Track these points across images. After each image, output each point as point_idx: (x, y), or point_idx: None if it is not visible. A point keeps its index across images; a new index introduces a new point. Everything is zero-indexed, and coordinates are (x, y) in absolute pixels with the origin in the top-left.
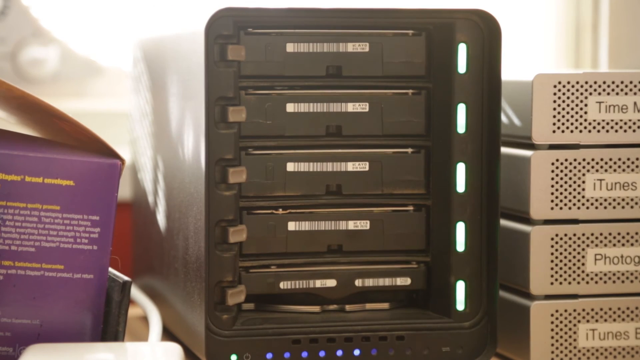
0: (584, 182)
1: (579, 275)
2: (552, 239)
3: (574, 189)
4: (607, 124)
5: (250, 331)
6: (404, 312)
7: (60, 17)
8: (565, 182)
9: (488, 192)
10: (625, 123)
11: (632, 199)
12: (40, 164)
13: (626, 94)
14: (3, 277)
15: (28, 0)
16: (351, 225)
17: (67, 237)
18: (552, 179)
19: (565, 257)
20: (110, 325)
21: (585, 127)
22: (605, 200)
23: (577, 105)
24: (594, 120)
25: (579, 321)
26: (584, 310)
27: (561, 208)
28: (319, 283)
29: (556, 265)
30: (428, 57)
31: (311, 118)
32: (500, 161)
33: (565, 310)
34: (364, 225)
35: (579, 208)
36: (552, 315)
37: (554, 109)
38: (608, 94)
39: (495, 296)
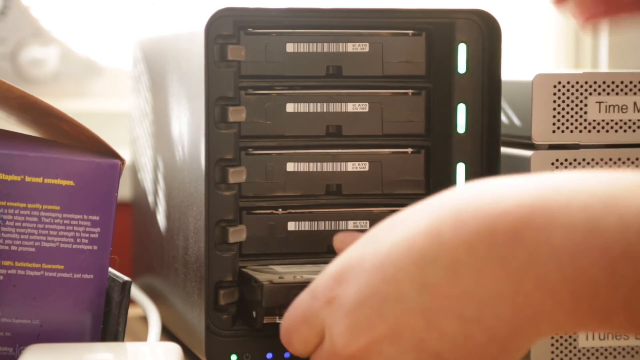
0: None
1: None
2: None
3: None
4: (607, 124)
5: (250, 331)
6: None
7: (60, 17)
8: None
9: None
10: (625, 123)
11: None
12: (40, 164)
13: (626, 94)
14: (3, 277)
15: (28, 0)
16: (351, 225)
17: (67, 237)
18: None
19: None
20: (110, 325)
21: (585, 127)
22: None
23: (577, 105)
24: (594, 120)
25: None
26: None
27: None
28: None
29: None
30: (428, 57)
31: (311, 118)
32: (500, 161)
33: None
34: (364, 225)
35: None
36: None
37: (554, 109)
38: (608, 94)
39: None
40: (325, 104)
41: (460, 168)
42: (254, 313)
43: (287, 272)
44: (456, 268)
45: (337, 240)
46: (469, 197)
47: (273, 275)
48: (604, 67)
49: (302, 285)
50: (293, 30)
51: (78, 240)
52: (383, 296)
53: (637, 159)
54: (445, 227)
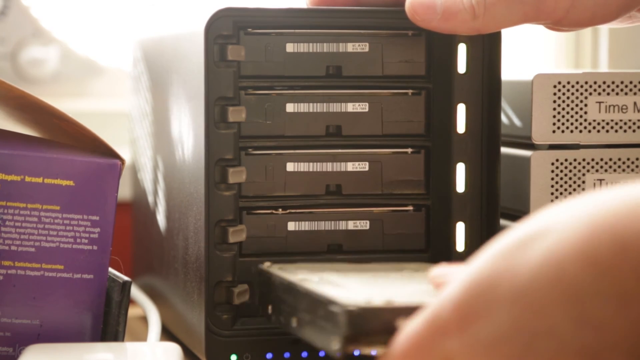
0: (584, 182)
1: None
2: None
3: (574, 189)
4: (607, 124)
5: (250, 331)
6: None
7: (60, 17)
8: (565, 182)
9: (488, 192)
10: (625, 123)
11: None
12: (40, 164)
13: (626, 94)
14: (3, 277)
15: (28, 0)
16: (351, 225)
17: (67, 237)
18: (552, 179)
19: None
20: (110, 325)
21: (585, 127)
22: None
23: (577, 105)
24: (594, 120)
25: None
26: None
27: None
28: None
29: None
30: (428, 57)
31: (311, 118)
32: (500, 161)
33: None
34: (363, 225)
35: None
36: None
37: (554, 109)
38: (608, 94)
39: None
40: (325, 104)
41: (460, 168)
42: (337, 342)
43: (371, 294)
44: (625, 299)
45: (436, 275)
46: (624, 214)
47: (354, 295)
48: (604, 67)
49: (393, 310)
50: (293, 30)
51: (78, 240)
52: (531, 331)
53: (637, 158)
54: (603, 254)
